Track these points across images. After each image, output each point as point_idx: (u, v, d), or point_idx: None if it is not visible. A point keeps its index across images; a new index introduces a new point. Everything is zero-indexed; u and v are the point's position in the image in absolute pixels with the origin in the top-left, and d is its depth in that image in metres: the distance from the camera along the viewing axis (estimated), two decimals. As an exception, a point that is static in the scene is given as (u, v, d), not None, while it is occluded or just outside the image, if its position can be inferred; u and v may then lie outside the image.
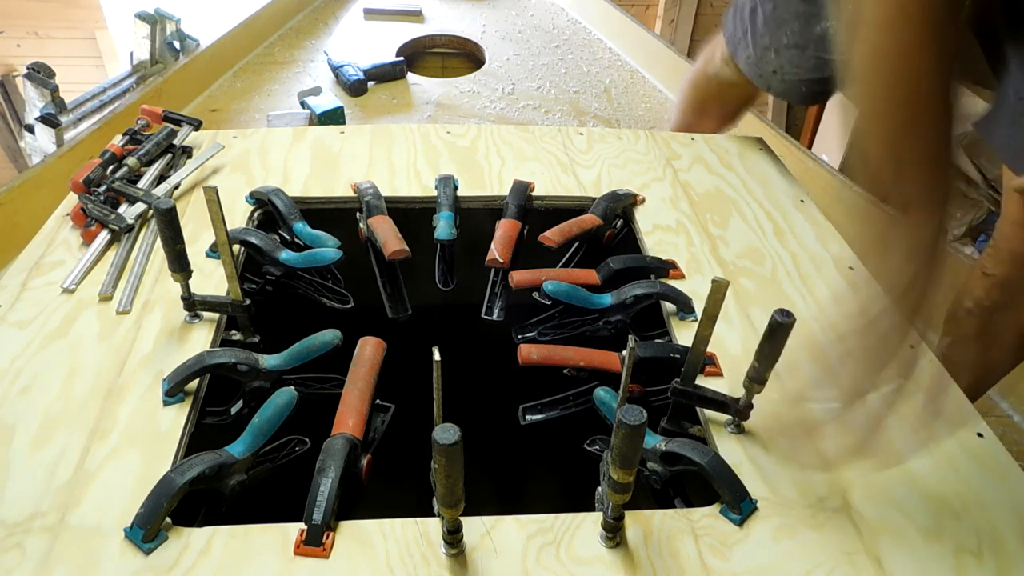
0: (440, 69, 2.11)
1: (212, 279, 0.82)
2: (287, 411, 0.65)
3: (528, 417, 0.77)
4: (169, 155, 1.01)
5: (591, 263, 0.88)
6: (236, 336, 0.78)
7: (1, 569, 0.53)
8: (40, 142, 1.46)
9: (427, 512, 0.58)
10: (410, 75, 1.84)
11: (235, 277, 0.73)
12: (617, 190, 1.00)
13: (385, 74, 1.79)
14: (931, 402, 0.67)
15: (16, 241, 0.90)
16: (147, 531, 0.54)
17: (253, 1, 1.96)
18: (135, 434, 0.64)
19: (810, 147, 1.76)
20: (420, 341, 0.63)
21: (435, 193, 0.98)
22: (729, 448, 0.66)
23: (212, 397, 0.71)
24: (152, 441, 0.63)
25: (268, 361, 0.70)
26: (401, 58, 1.86)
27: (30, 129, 1.48)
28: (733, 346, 0.78)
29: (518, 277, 0.83)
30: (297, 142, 1.10)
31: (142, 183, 0.94)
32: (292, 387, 0.67)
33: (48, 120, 1.40)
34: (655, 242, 0.93)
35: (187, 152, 1.04)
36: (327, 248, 0.86)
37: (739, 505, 0.59)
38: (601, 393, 0.71)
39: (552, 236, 0.89)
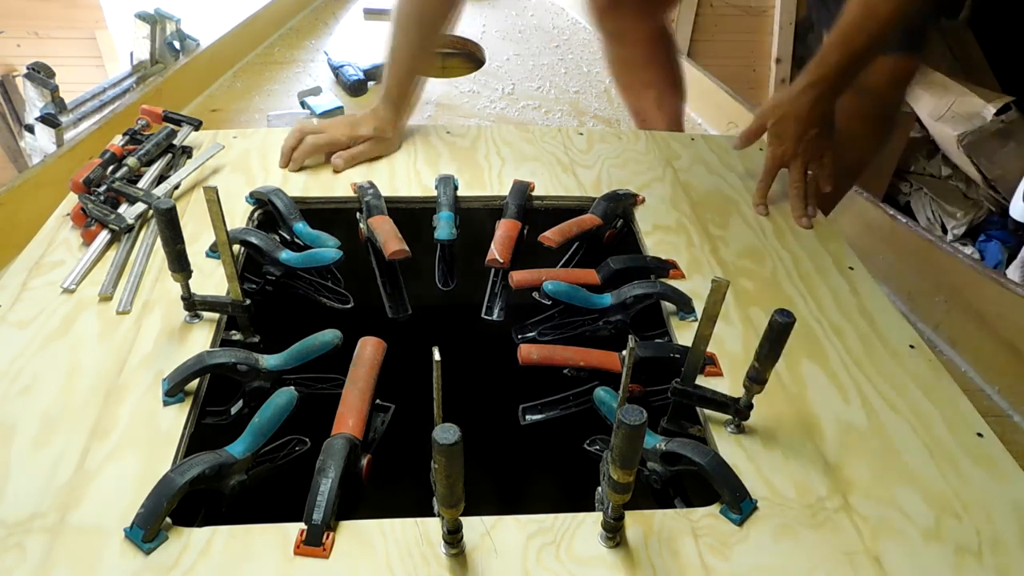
0: (440, 69, 2.11)
1: (212, 279, 0.82)
2: (287, 411, 0.65)
3: (528, 417, 0.77)
4: (169, 155, 1.01)
5: (591, 263, 0.88)
6: (236, 336, 0.78)
7: (1, 569, 0.53)
8: (40, 142, 1.46)
9: (427, 512, 0.58)
10: (410, 75, 1.83)
11: (235, 277, 0.73)
12: (617, 190, 1.00)
13: (385, 74, 1.78)
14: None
15: (16, 241, 0.90)
16: (147, 531, 0.54)
17: (253, 1, 1.96)
18: (135, 434, 0.64)
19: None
20: (420, 341, 0.63)
21: (435, 193, 0.98)
22: (729, 448, 0.66)
23: (212, 397, 0.71)
24: (152, 441, 0.63)
25: (268, 361, 0.70)
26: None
27: (30, 129, 1.48)
28: (733, 346, 0.78)
29: (518, 277, 0.83)
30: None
31: (142, 183, 0.94)
32: (292, 387, 0.67)
33: (48, 120, 1.40)
34: (655, 242, 0.93)
35: (187, 152, 1.04)
36: (327, 248, 0.86)
37: (739, 505, 0.59)
38: (601, 393, 0.71)
39: (552, 236, 0.89)
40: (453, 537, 0.54)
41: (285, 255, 0.84)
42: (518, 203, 0.96)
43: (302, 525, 0.56)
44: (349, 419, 0.64)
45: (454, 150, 1.10)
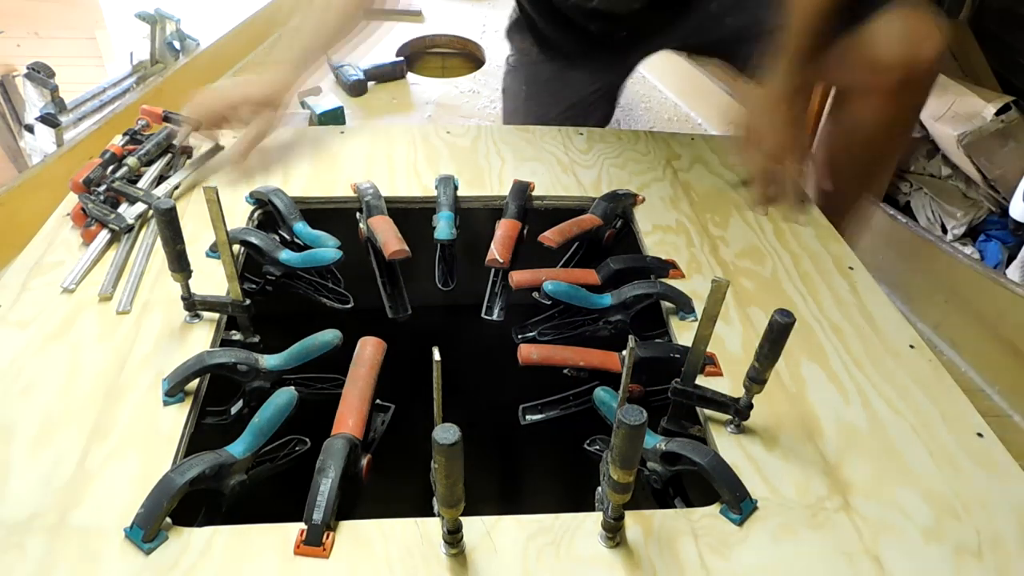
0: (440, 69, 2.11)
1: (212, 279, 0.82)
2: (287, 411, 0.65)
3: (528, 417, 0.77)
4: (169, 155, 1.01)
5: (591, 263, 0.88)
6: (236, 336, 0.78)
7: (1, 569, 0.53)
8: (40, 142, 1.46)
9: (427, 512, 0.58)
10: (410, 75, 1.84)
11: (235, 277, 0.73)
12: (617, 190, 1.00)
13: (385, 74, 1.79)
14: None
15: (16, 241, 0.90)
16: (147, 531, 0.54)
17: (253, 1, 1.96)
18: (135, 434, 0.64)
19: (809, 147, 1.76)
20: (420, 341, 0.63)
21: (435, 193, 0.98)
22: (729, 448, 0.66)
23: (212, 397, 0.71)
24: (152, 441, 0.63)
25: (268, 361, 0.70)
26: (401, 58, 1.86)
27: (30, 129, 1.48)
28: (733, 346, 0.78)
29: (518, 277, 0.83)
30: (297, 142, 1.10)
31: (142, 183, 0.94)
32: (292, 387, 0.67)
33: (48, 120, 1.40)
34: (655, 242, 0.93)
35: (187, 152, 1.04)
36: (327, 248, 0.86)
37: (739, 505, 0.59)
38: (601, 393, 0.71)
39: (552, 236, 0.89)
40: (453, 537, 0.54)
41: (285, 255, 0.84)
42: (518, 203, 0.96)
43: (302, 525, 0.56)
44: (349, 419, 0.64)
45: (454, 150, 1.10)
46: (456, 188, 1.00)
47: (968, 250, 2.00)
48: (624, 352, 0.69)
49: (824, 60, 1.06)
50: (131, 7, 1.76)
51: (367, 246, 0.93)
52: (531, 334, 0.84)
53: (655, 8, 1.19)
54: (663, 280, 0.86)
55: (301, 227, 0.90)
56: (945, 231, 2.07)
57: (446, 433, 0.44)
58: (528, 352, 0.73)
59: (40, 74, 1.45)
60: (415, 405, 0.69)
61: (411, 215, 0.97)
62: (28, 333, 0.74)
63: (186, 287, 0.73)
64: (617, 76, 1.44)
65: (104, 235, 0.86)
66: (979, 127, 1.92)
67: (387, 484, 0.74)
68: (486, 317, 0.88)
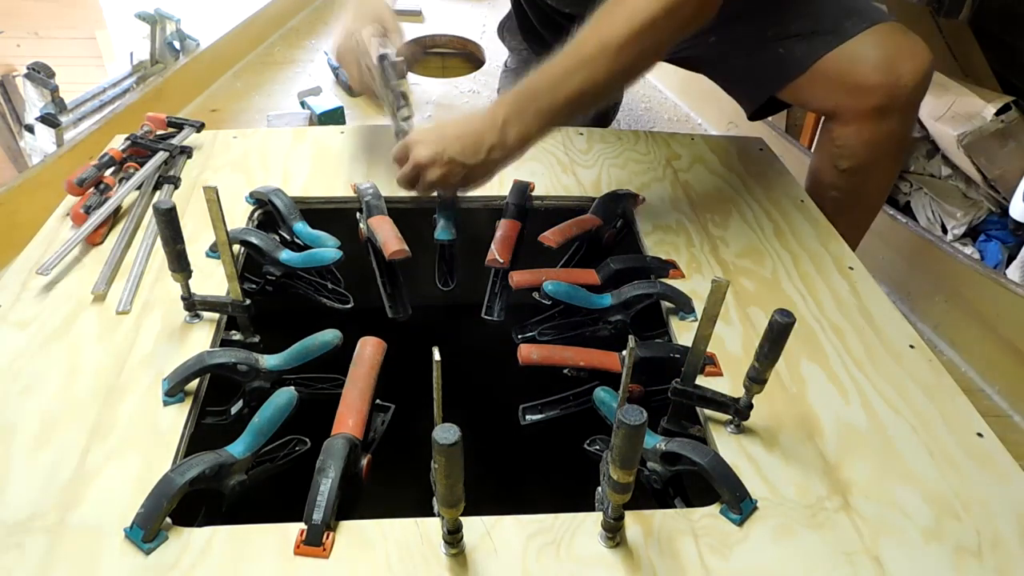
0: (440, 69, 2.11)
1: (212, 279, 0.82)
2: (287, 411, 0.65)
3: (528, 417, 0.77)
4: (167, 154, 1.01)
5: (591, 263, 0.88)
6: (236, 336, 0.78)
7: (1, 569, 0.53)
8: (40, 142, 1.46)
9: (427, 512, 0.58)
10: (410, 75, 1.83)
11: (235, 277, 0.73)
12: (617, 190, 1.00)
13: (385, 74, 1.78)
14: None
15: (16, 241, 0.90)
16: (147, 531, 0.54)
17: (253, 1, 1.96)
18: (135, 434, 0.64)
19: (810, 147, 1.76)
20: (420, 341, 0.63)
21: (435, 193, 0.98)
22: (729, 448, 0.66)
23: (212, 397, 0.71)
24: (152, 441, 0.63)
25: (268, 361, 0.70)
26: (401, 58, 1.85)
27: (30, 129, 1.48)
28: (733, 346, 0.78)
29: (518, 277, 0.83)
30: (297, 142, 1.10)
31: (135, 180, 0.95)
32: (292, 387, 0.67)
33: (48, 120, 1.40)
34: (655, 242, 0.93)
35: (187, 152, 1.04)
36: (327, 248, 0.86)
37: (739, 505, 0.59)
38: (601, 393, 0.71)
39: (552, 236, 0.89)
40: (453, 537, 0.54)
41: (285, 255, 0.84)
42: (518, 203, 0.96)
43: (302, 525, 0.56)
44: (349, 419, 0.64)
45: (454, 150, 1.10)
46: (456, 188, 0.99)
47: (968, 250, 2.00)
48: (624, 352, 0.69)
49: (797, 83, 1.02)
50: (131, 7, 1.76)
51: (367, 246, 0.93)
52: (531, 334, 0.84)
53: None
54: (663, 280, 0.86)
55: (301, 227, 0.90)
56: (945, 231, 2.07)
57: (446, 433, 0.44)
58: (528, 352, 0.73)
59: (40, 74, 1.45)
60: (415, 405, 0.69)
61: (411, 215, 0.97)
62: (28, 333, 0.74)
63: (186, 287, 0.73)
64: None
65: (94, 220, 0.86)
66: (979, 127, 1.92)
67: (387, 484, 0.74)
68: (486, 317, 0.88)
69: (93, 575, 0.53)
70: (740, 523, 0.59)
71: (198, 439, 0.66)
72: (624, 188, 1.01)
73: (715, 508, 0.60)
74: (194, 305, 0.75)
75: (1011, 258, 1.95)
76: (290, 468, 0.67)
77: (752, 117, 1.19)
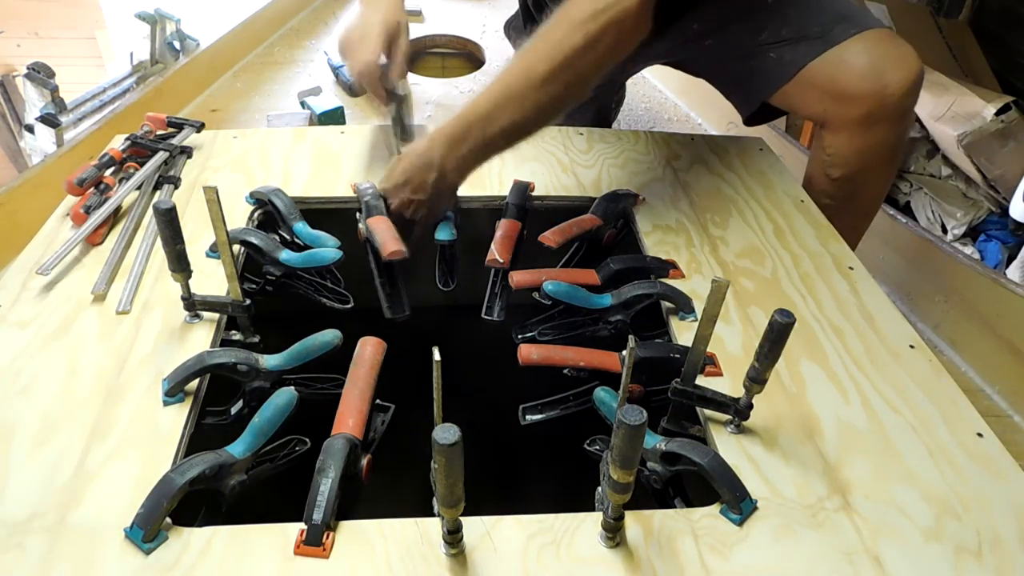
0: (440, 69, 2.11)
1: (212, 279, 0.82)
2: (287, 411, 0.65)
3: (528, 417, 0.77)
4: (167, 154, 1.01)
5: (591, 263, 0.88)
6: (236, 336, 0.78)
7: (1, 569, 0.53)
8: (40, 142, 1.46)
9: (427, 512, 0.58)
10: (410, 75, 1.83)
11: (235, 277, 0.73)
12: (617, 190, 1.00)
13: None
14: None
15: (16, 241, 0.90)
16: (147, 531, 0.54)
17: (253, 1, 1.96)
18: (135, 434, 0.64)
19: (810, 147, 1.76)
20: (420, 341, 0.63)
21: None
22: (729, 448, 0.66)
23: (212, 397, 0.71)
24: (152, 441, 0.63)
25: (268, 361, 0.70)
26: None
27: (30, 129, 1.48)
28: (733, 346, 0.78)
29: (518, 277, 0.83)
30: (297, 142, 1.10)
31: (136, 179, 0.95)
32: (292, 387, 0.67)
33: (48, 120, 1.40)
34: (655, 242, 0.93)
35: (187, 152, 1.04)
36: (327, 248, 0.86)
37: (739, 505, 0.59)
38: (601, 393, 0.71)
39: (552, 236, 0.89)
40: (453, 537, 0.54)
41: (285, 255, 0.84)
42: (518, 203, 0.96)
43: (302, 525, 0.56)
44: (349, 419, 0.64)
45: (454, 150, 1.10)
46: (456, 188, 0.99)
47: (968, 250, 2.00)
48: (624, 352, 0.69)
49: (786, 89, 1.01)
50: (131, 7, 1.76)
51: (366, 246, 0.93)
52: (531, 334, 0.84)
53: None
54: (663, 280, 0.86)
55: (301, 227, 0.90)
56: (945, 231, 2.07)
57: (446, 433, 0.44)
58: (528, 352, 0.73)
59: (40, 74, 1.45)
60: (415, 405, 0.69)
61: (411, 215, 0.96)
62: (28, 333, 0.74)
63: (186, 287, 0.73)
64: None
65: (95, 220, 0.86)
66: (979, 127, 1.92)
67: (387, 484, 0.74)
68: (486, 317, 0.88)
69: (93, 575, 0.53)
70: (740, 523, 0.59)
71: (198, 439, 0.66)
72: (624, 188, 1.01)
73: (715, 508, 0.60)
74: (194, 305, 0.75)
75: (1011, 258, 1.95)
76: (290, 468, 0.67)
77: (748, 122, 1.18)
